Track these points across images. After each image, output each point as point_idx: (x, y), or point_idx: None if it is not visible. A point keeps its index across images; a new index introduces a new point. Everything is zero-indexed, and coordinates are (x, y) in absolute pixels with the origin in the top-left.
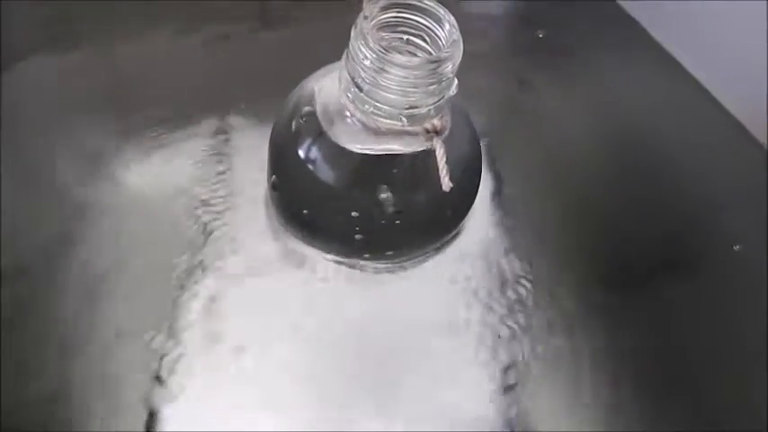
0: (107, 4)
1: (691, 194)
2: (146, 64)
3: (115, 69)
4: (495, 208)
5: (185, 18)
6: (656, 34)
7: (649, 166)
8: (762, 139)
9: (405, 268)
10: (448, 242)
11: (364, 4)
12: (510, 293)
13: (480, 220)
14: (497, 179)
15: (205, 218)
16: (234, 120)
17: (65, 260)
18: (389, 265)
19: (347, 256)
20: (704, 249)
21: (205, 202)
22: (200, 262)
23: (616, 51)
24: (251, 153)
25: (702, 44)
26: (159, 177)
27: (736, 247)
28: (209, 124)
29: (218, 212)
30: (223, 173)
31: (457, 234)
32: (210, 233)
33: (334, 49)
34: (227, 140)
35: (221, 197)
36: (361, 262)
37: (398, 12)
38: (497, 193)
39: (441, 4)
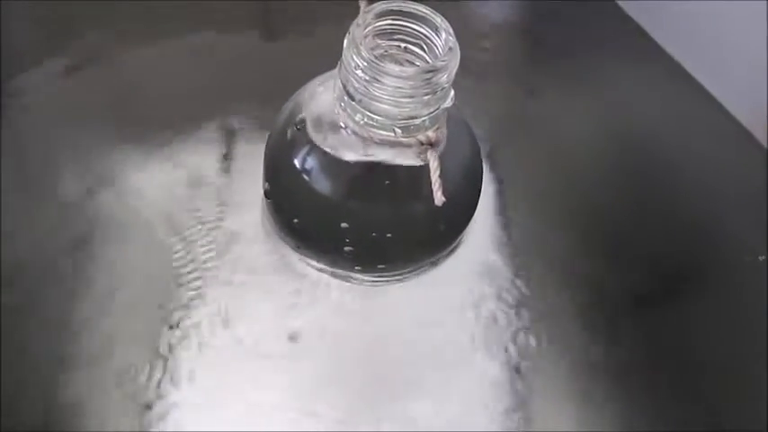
0: (109, 11)
1: (695, 200)
2: (148, 70)
3: (117, 76)
4: (498, 217)
5: (188, 24)
6: (660, 38)
7: (653, 172)
8: (765, 143)
9: (398, 281)
10: (445, 256)
11: (360, 12)
12: (512, 305)
13: (482, 230)
14: (500, 186)
15: (203, 224)
16: (236, 126)
17: (64, 266)
18: (382, 279)
19: (338, 267)
20: (708, 255)
21: (204, 209)
22: (196, 270)
23: (619, 55)
24: (252, 160)
25: (707, 48)
26: (159, 183)
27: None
28: (211, 130)
29: (216, 219)
30: (224, 179)
31: (455, 248)
32: (207, 241)
33: (339, 54)
34: (228, 147)
35: (221, 204)
36: (353, 274)
37: (394, 19)
38: (500, 201)
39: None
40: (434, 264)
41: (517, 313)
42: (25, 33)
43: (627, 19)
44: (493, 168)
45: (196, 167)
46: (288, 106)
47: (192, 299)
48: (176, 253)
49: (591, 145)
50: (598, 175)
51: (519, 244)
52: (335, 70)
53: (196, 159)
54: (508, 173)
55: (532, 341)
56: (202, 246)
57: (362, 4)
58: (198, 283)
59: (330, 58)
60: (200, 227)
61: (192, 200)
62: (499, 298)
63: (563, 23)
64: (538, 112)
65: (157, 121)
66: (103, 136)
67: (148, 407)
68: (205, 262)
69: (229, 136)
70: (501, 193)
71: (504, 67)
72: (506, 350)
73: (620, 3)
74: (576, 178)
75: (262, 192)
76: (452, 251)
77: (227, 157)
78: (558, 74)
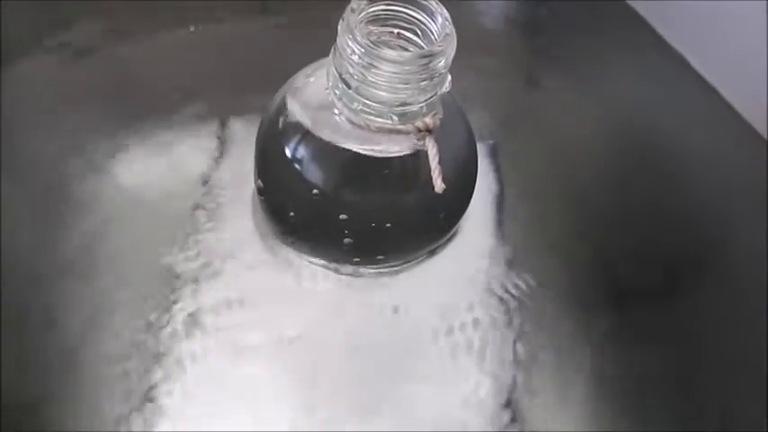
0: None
1: (696, 192)
2: (145, 60)
3: (114, 65)
4: (498, 209)
5: (186, 13)
6: (665, 33)
7: (654, 164)
8: (766, 135)
9: (396, 272)
10: (442, 245)
11: None
12: (509, 298)
13: (480, 222)
14: (501, 180)
15: (196, 219)
16: (232, 117)
17: (56, 256)
18: (380, 270)
19: (336, 260)
20: (708, 247)
21: (197, 204)
22: (188, 267)
23: (624, 50)
24: (247, 151)
25: (712, 43)
26: (153, 175)
27: None
28: (207, 121)
29: (209, 213)
30: (218, 172)
31: (452, 237)
32: (200, 236)
33: None
34: (224, 138)
35: (215, 196)
36: (351, 267)
37: (388, 4)
38: (500, 194)
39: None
40: (432, 253)
41: (516, 306)
42: (24, 30)
43: (629, 11)
44: (494, 160)
45: (190, 159)
46: (278, 98)
47: (184, 293)
48: (166, 248)
49: (592, 137)
50: (599, 168)
51: (519, 235)
52: (324, 59)
53: (191, 151)
54: (510, 165)
55: (530, 335)
56: (192, 242)
57: None
58: (186, 280)
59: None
60: (190, 221)
61: (185, 193)
62: (497, 290)
63: (565, 16)
64: (540, 104)
65: (153, 110)
66: (99, 124)
67: (142, 403)
68: (194, 260)
69: (226, 127)
70: (502, 185)
71: (506, 59)
72: (504, 344)
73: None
74: (577, 171)
75: (255, 187)
76: (449, 240)
77: (222, 149)
78: (560, 66)
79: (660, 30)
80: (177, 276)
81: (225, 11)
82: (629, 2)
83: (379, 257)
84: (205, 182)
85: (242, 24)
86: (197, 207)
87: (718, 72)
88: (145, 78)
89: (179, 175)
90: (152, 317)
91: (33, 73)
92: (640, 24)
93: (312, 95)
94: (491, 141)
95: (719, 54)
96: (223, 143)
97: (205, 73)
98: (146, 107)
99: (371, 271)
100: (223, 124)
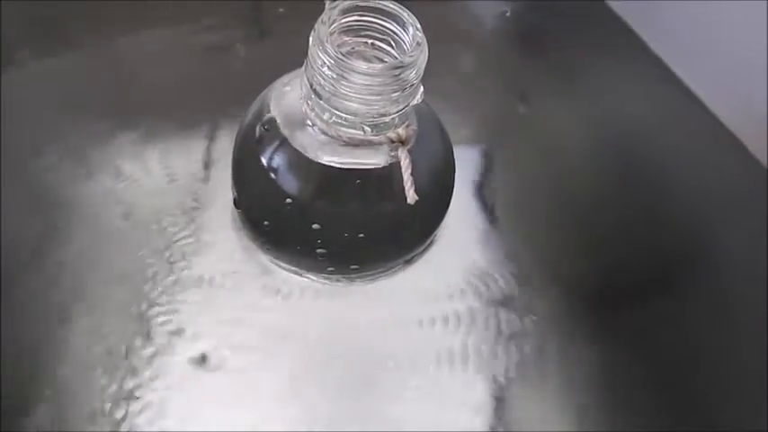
0: (104, 6)
1: (683, 202)
2: (140, 67)
3: (110, 72)
4: (485, 215)
5: (182, 22)
6: (653, 44)
7: (645, 179)
8: (756, 152)
9: (373, 281)
10: (419, 254)
11: (326, 8)
12: (499, 306)
13: (470, 230)
14: (489, 186)
15: (185, 224)
16: (224, 126)
17: (44, 259)
18: (356, 279)
19: (310, 269)
20: (700, 265)
21: (184, 204)
22: (169, 268)
23: (610, 57)
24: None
25: (696, 50)
26: (146, 177)
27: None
28: (200, 130)
29: (193, 221)
30: (206, 180)
31: (428, 246)
32: (183, 243)
33: None
34: (214, 147)
35: (200, 203)
36: (326, 275)
37: (361, 15)
38: (488, 200)
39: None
40: (409, 262)
41: (504, 313)
42: (21, 34)
43: (618, 21)
44: (482, 169)
45: (182, 166)
46: (254, 107)
47: (163, 298)
48: (150, 253)
49: (580, 146)
50: (587, 177)
51: (507, 244)
52: (302, 69)
53: (183, 159)
54: (497, 173)
55: (518, 340)
56: (175, 248)
57: (327, 2)
58: (170, 280)
59: None
60: (175, 228)
61: (174, 196)
62: (485, 298)
63: (553, 25)
64: (528, 113)
65: (147, 122)
66: (95, 125)
67: (121, 413)
68: (179, 258)
69: (216, 137)
70: (490, 193)
71: (494, 68)
72: (490, 350)
73: (612, 4)
74: (565, 179)
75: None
76: (426, 249)
77: (209, 154)
78: (548, 75)
79: (647, 40)
80: (153, 278)
81: (222, 23)
82: (618, 12)
83: (354, 267)
84: (196, 186)
85: (236, 32)
86: (186, 211)
87: (705, 83)
88: (141, 81)
89: (172, 177)
90: (130, 324)
91: (32, 73)
92: (628, 34)
93: (288, 105)
94: (478, 147)
95: (707, 65)
96: (212, 149)
97: (202, 81)
98: (141, 109)
99: (347, 280)
100: (216, 132)
